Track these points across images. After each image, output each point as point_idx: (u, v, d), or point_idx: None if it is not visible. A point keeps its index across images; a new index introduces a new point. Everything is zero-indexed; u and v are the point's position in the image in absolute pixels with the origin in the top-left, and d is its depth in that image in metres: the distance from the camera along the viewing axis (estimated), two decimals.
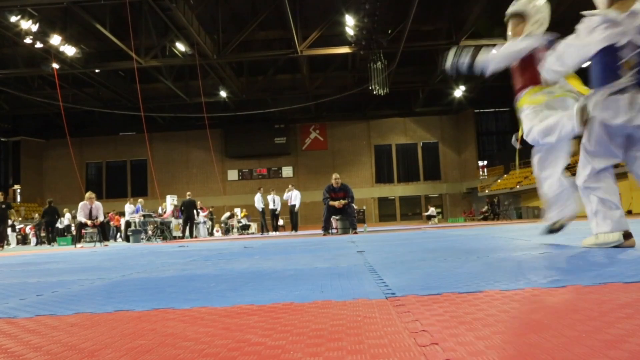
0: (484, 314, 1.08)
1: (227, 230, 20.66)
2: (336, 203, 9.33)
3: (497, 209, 23.81)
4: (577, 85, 2.74)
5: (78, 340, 1.06)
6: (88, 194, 10.73)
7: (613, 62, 2.27)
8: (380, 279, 1.82)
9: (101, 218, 10.68)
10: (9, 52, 19.77)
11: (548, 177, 3.01)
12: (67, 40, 17.73)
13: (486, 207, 24.61)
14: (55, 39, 17.18)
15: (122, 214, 16.95)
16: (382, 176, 32.43)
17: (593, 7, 2.44)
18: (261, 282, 1.96)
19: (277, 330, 1.05)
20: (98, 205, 10.72)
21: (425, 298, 1.34)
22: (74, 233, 12.48)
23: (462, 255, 2.68)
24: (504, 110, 31.85)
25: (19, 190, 30.41)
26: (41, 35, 16.84)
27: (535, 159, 3.10)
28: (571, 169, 2.85)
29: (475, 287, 1.48)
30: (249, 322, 1.15)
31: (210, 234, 19.11)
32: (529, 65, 3.03)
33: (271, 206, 15.78)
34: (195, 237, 15.63)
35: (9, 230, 17.40)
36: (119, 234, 17.56)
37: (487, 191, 28.33)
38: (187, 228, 14.87)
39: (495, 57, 3.13)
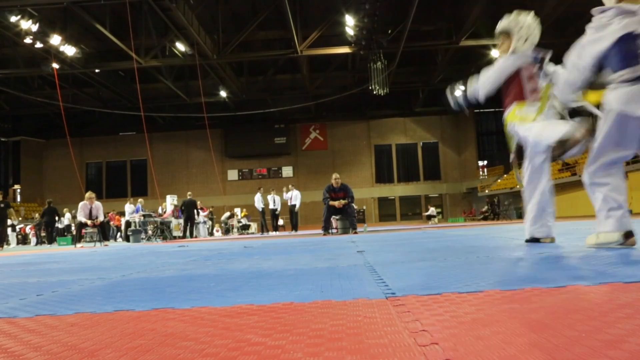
0: (484, 314, 1.08)
1: (227, 230, 20.66)
2: (336, 203, 9.33)
3: (497, 209, 23.83)
4: (594, 98, 2.61)
5: (78, 340, 1.06)
6: (88, 194, 10.73)
7: (633, 49, 2.26)
8: (380, 279, 1.82)
9: (101, 218, 10.69)
10: (9, 52, 19.77)
11: (532, 192, 3.14)
12: (67, 40, 17.73)
13: (486, 207, 24.62)
14: (55, 39, 17.18)
15: (122, 213, 16.95)
16: (382, 176, 32.43)
17: (594, 6, 2.44)
18: (261, 282, 1.96)
19: (277, 330, 1.05)
20: (98, 205, 10.72)
21: (425, 298, 1.34)
22: (74, 233, 12.48)
23: (462, 255, 2.68)
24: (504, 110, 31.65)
25: (19, 190, 30.41)
26: (41, 35, 16.84)
27: (525, 173, 3.17)
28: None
29: (475, 287, 1.48)
30: (249, 322, 1.15)
31: (210, 234, 19.11)
32: (514, 82, 3.15)
33: (271, 206, 15.78)
34: (195, 237, 15.63)
35: (9, 230, 17.41)
36: (119, 234, 17.56)
37: (487, 191, 28.34)
38: (187, 228, 14.88)
39: (483, 82, 3.27)
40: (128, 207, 15.21)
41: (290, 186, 16.16)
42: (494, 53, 21.45)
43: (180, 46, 19.99)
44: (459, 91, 3.37)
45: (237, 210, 22.21)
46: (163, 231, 13.83)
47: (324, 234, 9.38)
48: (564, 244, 3.11)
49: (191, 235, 15.16)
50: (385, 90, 20.59)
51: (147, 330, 1.12)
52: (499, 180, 29.30)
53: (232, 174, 32.45)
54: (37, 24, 16.53)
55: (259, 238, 10.73)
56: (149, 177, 31.26)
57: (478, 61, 21.24)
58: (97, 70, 21.83)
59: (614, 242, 2.47)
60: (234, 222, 20.94)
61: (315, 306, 1.32)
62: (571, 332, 0.89)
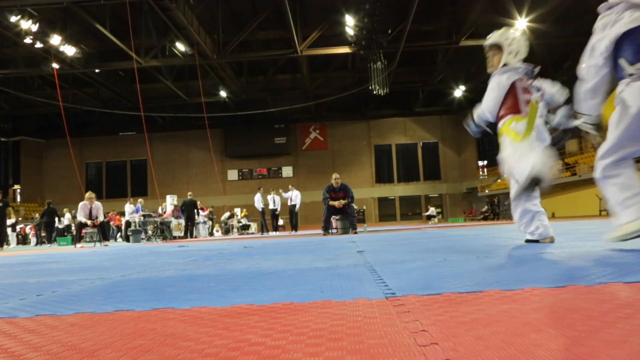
0: (484, 314, 1.08)
1: (227, 230, 20.66)
2: (336, 203, 9.33)
3: (497, 209, 23.83)
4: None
5: (78, 340, 1.06)
6: (88, 194, 10.73)
7: None
8: (380, 279, 1.82)
9: (101, 218, 10.69)
10: (9, 52, 19.77)
11: (516, 206, 3.29)
12: (67, 40, 17.73)
13: (486, 207, 24.62)
14: (55, 39, 17.18)
15: (122, 214, 16.95)
16: (382, 176, 32.43)
17: (595, 4, 2.42)
18: (261, 282, 1.96)
19: (277, 330, 1.05)
20: (98, 205, 10.72)
21: (425, 298, 1.34)
22: (74, 233, 12.48)
23: (462, 255, 2.68)
24: None
25: (19, 190, 30.41)
26: (41, 35, 16.84)
27: (512, 189, 3.27)
28: None
29: (475, 287, 1.48)
30: (249, 322, 1.15)
31: (210, 234, 19.11)
32: (510, 95, 3.22)
33: (271, 206, 15.78)
34: (196, 237, 15.64)
35: (9, 230, 17.41)
36: (119, 234, 17.56)
37: (487, 191, 28.34)
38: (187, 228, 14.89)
39: (486, 104, 3.33)
40: (128, 207, 15.21)
41: (290, 186, 16.16)
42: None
43: (180, 46, 19.99)
44: (470, 122, 3.49)
45: (237, 210, 22.21)
46: (163, 231, 13.83)
47: (324, 234, 9.38)
48: (563, 244, 3.11)
49: (191, 235, 15.16)
50: (385, 90, 20.59)
51: (147, 330, 1.12)
52: (499, 180, 29.30)
53: (232, 174, 32.45)
54: (37, 24, 16.53)
55: (259, 238, 10.73)
56: (149, 177, 31.26)
57: (478, 61, 21.24)
58: (97, 70, 21.83)
59: (638, 231, 2.30)
60: (234, 222, 20.94)
61: (315, 306, 1.32)
62: (571, 332, 0.89)
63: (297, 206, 15.34)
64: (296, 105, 26.85)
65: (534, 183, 2.78)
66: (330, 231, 9.74)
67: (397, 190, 32.24)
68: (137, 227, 13.06)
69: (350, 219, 9.56)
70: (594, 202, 21.49)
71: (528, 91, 3.23)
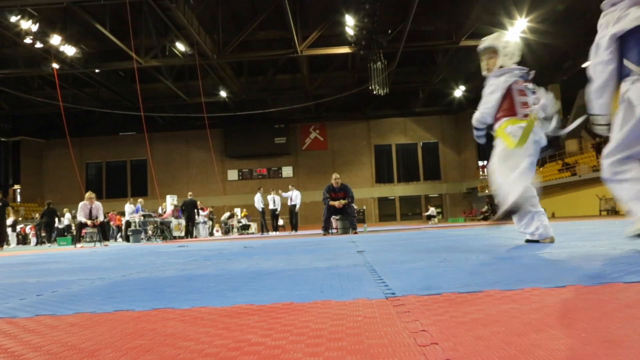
0: (484, 314, 1.08)
1: (227, 230, 20.66)
2: (336, 203, 9.33)
3: (497, 209, 23.79)
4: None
5: (78, 340, 1.06)
6: (88, 194, 10.73)
7: None
8: (380, 279, 1.82)
9: (101, 218, 10.68)
10: (9, 52, 19.77)
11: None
12: (67, 40, 17.74)
13: (486, 207, 24.61)
14: (55, 39, 17.18)
15: (122, 213, 16.96)
16: (382, 176, 32.43)
17: (595, 4, 2.41)
18: (261, 282, 1.96)
19: (277, 330, 1.05)
20: (98, 205, 10.72)
21: (425, 298, 1.34)
22: (74, 233, 12.48)
23: (462, 255, 2.68)
24: None
25: (19, 190, 30.42)
26: (41, 35, 16.84)
27: None
28: None
29: (475, 287, 1.48)
30: (249, 322, 1.15)
31: (210, 234, 19.11)
32: (506, 97, 3.24)
33: (271, 206, 15.78)
34: (196, 237, 15.64)
35: (9, 230, 17.42)
36: (119, 234, 17.56)
37: (487, 191, 28.34)
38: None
39: (486, 107, 3.33)
40: (128, 207, 15.21)
41: (290, 186, 16.16)
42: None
43: (180, 46, 19.99)
44: (475, 130, 3.50)
45: (237, 210, 22.21)
46: (163, 231, 13.83)
47: (324, 234, 9.38)
48: (563, 244, 3.12)
49: (191, 235, 15.17)
50: (385, 90, 20.59)
51: (147, 330, 1.12)
52: None
53: (232, 174, 32.45)
54: (37, 24, 16.53)
55: (259, 238, 10.73)
56: (149, 177, 31.27)
57: (478, 61, 21.27)
58: (97, 70, 21.84)
59: None
60: (234, 222, 20.94)
61: (315, 306, 1.32)
62: (571, 332, 0.89)
63: (297, 206, 15.34)
64: (296, 105, 26.85)
65: (510, 215, 3.07)
66: (330, 231, 9.74)
67: (397, 190, 32.24)
68: (137, 227, 13.06)
69: (350, 219, 9.56)
70: (594, 202, 21.49)
71: (524, 93, 3.27)
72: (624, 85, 2.24)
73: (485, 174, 31.23)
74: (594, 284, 1.41)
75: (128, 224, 14.03)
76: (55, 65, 18.69)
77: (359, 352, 0.85)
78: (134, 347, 0.97)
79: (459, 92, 27.72)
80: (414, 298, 1.35)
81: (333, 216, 9.77)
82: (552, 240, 3.24)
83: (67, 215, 18.78)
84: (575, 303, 1.16)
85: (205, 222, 18.17)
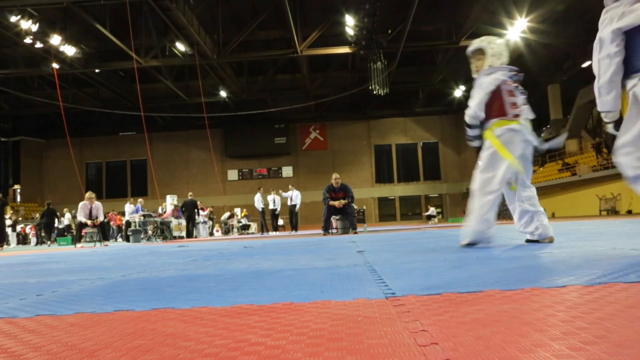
0: (484, 314, 1.08)
1: (227, 230, 20.66)
2: (336, 203, 9.33)
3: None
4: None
5: (78, 340, 1.06)
6: (88, 194, 10.73)
7: None
8: (380, 279, 1.82)
9: (101, 218, 10.68)
10: (9, 52, 19.77)
11: (514, 207, 3.44)
12: (67, 40, 17.74)
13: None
14: (55, 39, 17.18)
15: (123, 213, 16.96)
16: (382, 176, 32.43)
17: (594, 4, 2.38)
18: (261, 282, 1.96)
19: (277, 330, 1.05)
20: (98, 205, 10.72)
21: (425, 298, 1.34)
22: (74, 233, 12.48)
23: (462, 255, 2.68)
24: None
25: (19, 190, 30.41)
26: (41, 35, 16.84)
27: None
28: None
29: (475, 287, 1.48)
30: (249, 322, 1.15)
31: (211, 234, 19.11)
32: (495, 97, 3.28)
33: (271, 206, 15.78)
34: (196, 237, 15.64)
35: (9, 230, 17.42)
36: (119, 234, 17.56)
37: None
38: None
39: (478, 104, 3.34)
40: (128, 207, 15.21)
41: (290, 186, 16.16)
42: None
43: (180, 46, 19.99)
44: (469, 130, 3.51)
45: (237, 210, 22.21)
46: (163, 231, 13.84)
47: (324, 234, 9.38)
48: (563, 244, 3.12)
49: (191, 235, 15.17)
50: (385, 90, 20.59)
51: (147, 330, 1.12)
52: None
53: (232, 174, 32.45)
54: (37, 24, 16.53)
55: (259, 238, 10.73)
56: (149, 177, 31.27)
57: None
58: (97, 70, 21.84)
59: None
60: (234, 222, 20.94)
61: (315, 306, 1.32)
62: (572, 332, 0.89)
63: (297, 206, 15.34)
64: (296, 105, 26.85)
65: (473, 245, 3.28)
66: (330, 231, 9.74)
67: (397, 190, 32.23)
68: (137, 227, 13.06)
69: (350, 219, 9.56)
70: (594, 202, 21.50)
71: (513, 94, 3.31)
72: (631, 82, 2.18)
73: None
74: (594, 284, 1.41)
75: (128, 224, 14.03)
76: (55, 65, 18.69)
77: (359, 352, 0.85)
78: (134, 347, 0.97)
79: (459, 92, 27.71)
80: (414, 298, 1.35)
81: (333, 216, 9.77)
82: (551, 240, 3.25)
83: (67, 215, 18.79)
84: (576, 303, 1.16)
85: (205, 222, 18.17)
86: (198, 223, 16.54)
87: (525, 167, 3.33)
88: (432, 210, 24.63)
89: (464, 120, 3.50)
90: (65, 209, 19.43)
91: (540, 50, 22.66)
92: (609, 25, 2.15)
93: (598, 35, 2.20)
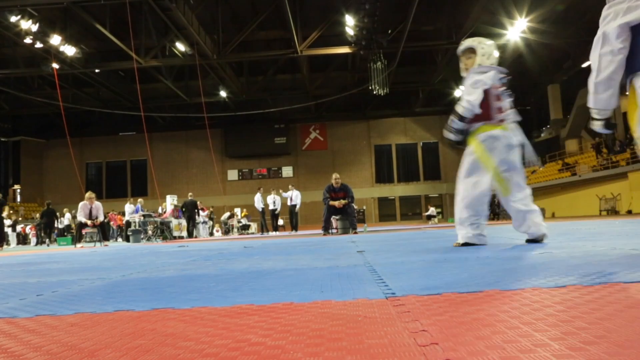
0: (484, 314, 1.08)
1: (227, 230, 20.66)
2: (336, 203, 9.33)
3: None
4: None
5: (78, 340, 1.06)
6: (88, 194, 10.73)
7: None
8: (380, 279, 1.82)
9: (101, 218, 10.69)
10: (9, 52, 19.78)
11: (507, 206, 3.50)
12: (67, 40, 17.74)
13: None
14: (55, 39, 17.18)
15: (123, 213, 16.96)
16: (382, 176, 32.43)
17: (594, 4, 2.35)
18: (261, 282, 1.96)
19: (277, 330, 1.05)
20: (98, 205, 10.72)
21: (425, 298, 1.34)
22: (74, 233, 12.48)
23: (462, 255, 2.68)
24: None
25: (19, 190, 30.41)
26: (41, 35, 16.85)
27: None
28: None
29: (475, 287, 1.48)
30: (249, 322, 1.15)
31: (211, 234, 19.12)
32: (483, 101, 3.29)
33: (271, 206, 15.78)
34: (196, 237, 15.64)
35: (9, 230, 17.42)
36: (119, 234, 17.56)
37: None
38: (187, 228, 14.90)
39: (476, 98, 3.31)
40: (128, 207, 15.22)
41: (290, 186, 16.17)
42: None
43: (180, 46, 19.99)
44: (456, 123, 3.42)
45: (237, 210, 22.21)
46: (163, 231, 13.84)
47: (324, 234, 9.39)
48: (563, 244, 3.12)
49: (191, 235, 15.18)
50: (385, 90, 20.60)
51: (147, 330, 1.12)
52: None
53: (232, 174, 32.45)
54: (37, 24, 16.54)
55: (259, 238, 10.73)
56: (149, 177, 31.28)
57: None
58: (97, 70, 21.84)
59: None
60: (234, 222, 20.94)
61: (315, 306, 1.32)
62: (572, 332, 0.89)
63: (298, 206, 15.34)
64: (296, 105, 26.86)
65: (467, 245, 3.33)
66: (330, 231, 9.75)
67: (397, 190, 32.23)
68: (137, 227, 13.06)
69: (351, 219, 9.56)
70: (594, 202, 21.50)
71: (500, 98, 3.34)
72: (639, 80, 2.08)
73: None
74: (594, 284, 1.41)
75: (128, 224, 14.03)
76: (55, 65, 18.70)
77: (359, 352, 0.85)
78: (134, 347, 0.97)
79: (459, 92, 27.67)
80: (414, 298, 1.35)
81: (333, 216, 9.77)
82: (543, 239, 3.29)
83: (67, 215, 18.79)
84: (576, 303, 1.16)
85: (205, 222, 18.17)
86: (198, 223, 16.55)
87: (515, 170, 3.37)
88: (432, 210, 24.63)
89: (454, 112, 3.44)
90: (65, 209, 19.43)
91: (540, 50, 22.67)
92: (614, 20, 2.07)
93: (601, 30, 2.12)
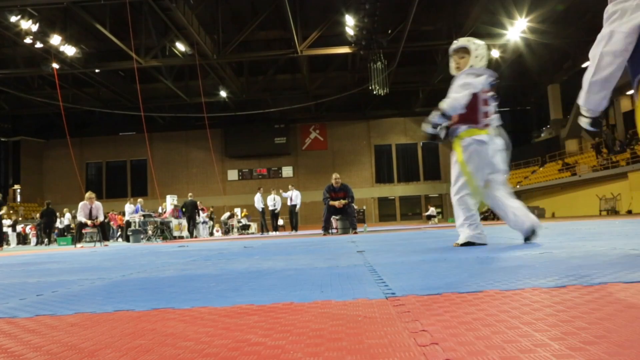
0: (484, 314, 1.08)
1: (227, 230, 20.66)
2: (336, 203, 9.33)
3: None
4: None
5: (78, 340, 1.06)
6: (88, 194, 10.74)
7: None
8: (380, 279, 1.82)
9: (101, 218, 10.69)
10: (9, 52, 19.78)
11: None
12: (67, 40, 17.74)
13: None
14: (55, 39, 17.19)
15: (123, 213, 16.96)
16: (382, 176, 32.43)
17: (594, 4, 2.32)
18: (261, 282, 1.96)
19: (277, 330, 1.04)
20: (98, 205, 10.72)
21: (425, 298, 1.34)
22: (74, 233, 12.48)
23: (462, 255, 2.68)
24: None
25: (19, 190, 30.41)
26: (41, 35, 16.85)
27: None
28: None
29: (475, 287, 1.48)
30: (249, 322, 1.15)
31: (211, 234, 19.12)
32: (471, 105, 3.30)
33: (271, 206, 15.78)
34: (196, 237, 15.65)
35: (9, 230, 17.41)
36: (119, 234, 17.56)
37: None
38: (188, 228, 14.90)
39: (459, 97, 3.30)
40: (128, 207, 15.22)
41: (290, 186, 16.17)
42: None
43: (180, 46, 19.99)
44: (436, 118, 3.39)
45: (237, 211, 22.21)
46: (163, 231, 13.84)
47: (324, 234, 9.38)
48: (563, 244, 3.12)
49: (192, 235, 15.19)
50: (385, 90, 20.60)
51: (147, 330, 1.12)
52: None
53: (232, 174, 32.45)
54: (37, 24, 16.54)
55: (259, 238, 10.73)
56: (149, 177, 31.28)
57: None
58: (97, 70, 21.84)
59: None
60: (234, 222, 20.94)
61: (315, 306, 1.32)
62: (572, 332, 0.89)
63: (298, 206, 15.34)
64: (296, 105, 26.87)
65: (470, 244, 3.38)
66: (330, 231, 9.74)
67: (397, 190, 32.23)
68: (137, 227, 13.06)
69: (351, 219, 9.56)
70: (594, 202, 21.50)
71: (487, 103, 3.36)
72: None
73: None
74: (594, 284, 1.41)
75: (128, 224, 14.03)
76: (55, 65, 18.70)
77: (359, 352, 0.85)
78: (134, 347, 0.97)
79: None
80: (414, 298, 1.35)
81: (333, 216, 9.77)
82: (536, 229, 3.35)
83: (67, 215, 18.79)
84: (576, 303, 1.16)
85: (205, 222, 18.18)
86: (198, 223, 16.55)
87: (499, 172, 3.43)
88: (432, 210, 24.63)
89: (438, 107, 3.38)
90: (65, 209, 19.43)
91: (540, 50, 22.66)
92: (620, 19, 1.97)
93: (608, 27, 2.01)
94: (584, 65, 22.37)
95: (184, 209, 15.41)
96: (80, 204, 10.60)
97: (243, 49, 21.30)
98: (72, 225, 17.30)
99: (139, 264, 3.59)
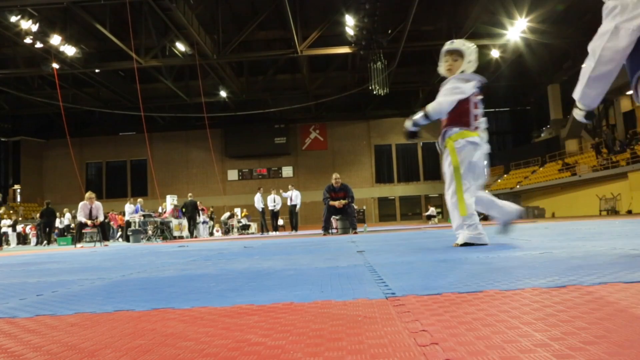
0: (484, 314, 1.08)
1: (227, 230, 20.67)
2: (336, 203, 9.33)
3: None
4: None
5: (78, 340, 1.06)
6: (88, 194, 10.74)
7: None
8: (380, 279, 1.82)
9: (101, 218, 10.69)
10: (9, 52, 19.78)
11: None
12: (67, 40, 17.75)
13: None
14: (55, 39, 17.19)
15: (123, 213, 16.96)
16: (382, 176, 32.43)
17: (595, 4, 2.30)
18: (261, 282, 1.96)
19: (277, 330, 1.04)
20: (98, 205, 10.73)
21: (425, 298, 1.34)
22: (74, 233, 12.48)
23: (462, 255, 2.68)
24: (504, 110, 31.89)
25: (19, 190, 30.42)
26: (41, 35, 16.85)
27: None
28: None
29: (475, 287, 1.48)
30: (249, 322, 1.15)
31: (211, 234, 19.12)
32: (462, 107, 3.33)
33: (271, 206, 15.78)
34: (196, 237, 15.65)
35: (9, 230, 17.41)
36: (119, 234, 17.56)
37: (487, 191, 28.33)
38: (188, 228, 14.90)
39: (447, 104, 3.35)
40: (128, 207, 15.22)
41: (290, 186, 16.17)
42: (494, 53, 21.44)
43: (180, 46, 20.00)
44: (420, 118, 3.41)
45: (237, 210, 22.22)
46: (163, 231, 13.84)
47: (324, 234, 9.38)
48: (563, 244, 3.12)
49: (192, 235, 15.19)
50: (385, 90, 20.60)
51: (147, 330, 1.12)
52: (499, 181, 29.30)
53: (232, 174, 32.45)
54: (37, 24, 16.54)
55: (259, 238, 10.73)
56: (149, 177, 31.28)
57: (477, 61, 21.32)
58: (97, 70, 21.84)
59: None
60: (234, 222, 20.94)
61: (315, 306, 1.32)
62: (572, 332, 0.89)
63: (298, 206, 15.34)
64: (296, 105, 26.88)
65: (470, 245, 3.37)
66: (330, 231, 9.74)
67: (397, 190, 32.23)
68: (137, 227, 13.06)
69: (351, 219, 9.56)
70: (594, 202, 21.50)
71: (477, 106, 3.40)
72: None
73: (485, 174, 31.20)
74: (594, 284, 1.41)
75: (128, 224, 14.04)
76: (55, 65, 18.70)
77: (359, 352, 0.85)
78: (134, 347, 0.97)
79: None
80: (414, 298, 1.35)
81: (333, 216, 9.77)
82: (517, 213, 3.46)
83: (67, 215, 18.79)
84: (576, 303, 1.16)
85: (205, 222, 18.18)
86: (198, 223, 16.56)
87: (482, 175, 3.48)
88: (432, 210, 24.64)
89: (423, 107, 3.42)
90: (65, 209, 19.43)
91: (540, 50, 22.66)
92: (622, 14, 1.91)
93: (613, 22, 1.95)
94: (583, 65, 22.34)
95: (184, 209, 15.41)
96: (80, 204, 10.60)
97: (243, 49, 21.31)
98: (72, 225, 17.30)
99: (139, 264, 3.59)
